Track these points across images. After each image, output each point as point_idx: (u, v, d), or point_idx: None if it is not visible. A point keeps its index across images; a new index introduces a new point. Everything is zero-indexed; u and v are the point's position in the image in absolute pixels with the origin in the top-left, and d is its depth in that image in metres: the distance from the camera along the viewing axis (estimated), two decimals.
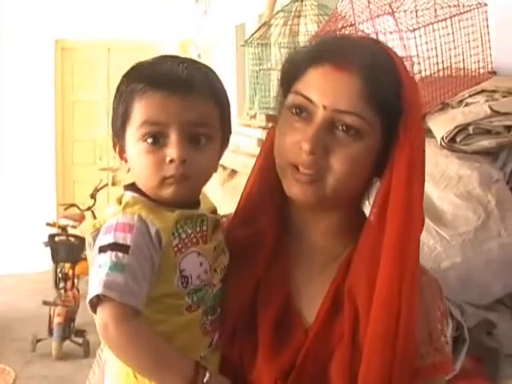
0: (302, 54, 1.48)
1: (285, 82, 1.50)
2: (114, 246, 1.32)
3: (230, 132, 1.49)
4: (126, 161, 1.43)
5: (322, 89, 1.39)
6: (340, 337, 1.40)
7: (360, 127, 1.37)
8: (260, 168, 1.57)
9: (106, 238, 1.35)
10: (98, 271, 1.32)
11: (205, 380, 1.33)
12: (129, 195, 1.42)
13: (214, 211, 1.51)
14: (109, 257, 1.31)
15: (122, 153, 1.44)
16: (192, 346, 1.40)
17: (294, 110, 1.43)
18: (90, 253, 1.41)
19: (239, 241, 1.51)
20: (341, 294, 1.43)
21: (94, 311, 1.32)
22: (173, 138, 1.35)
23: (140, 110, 1.36)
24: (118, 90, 1.42)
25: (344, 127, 1.38)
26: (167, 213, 1.38)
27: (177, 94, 1.35)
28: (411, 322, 1.37)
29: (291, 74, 1.47)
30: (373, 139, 1.40)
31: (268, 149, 1.52)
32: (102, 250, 1.34)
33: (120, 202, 1.41)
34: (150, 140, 1.36)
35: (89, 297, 1.32)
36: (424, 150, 1.45)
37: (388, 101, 1.39)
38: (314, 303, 1.45)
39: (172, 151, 1.35)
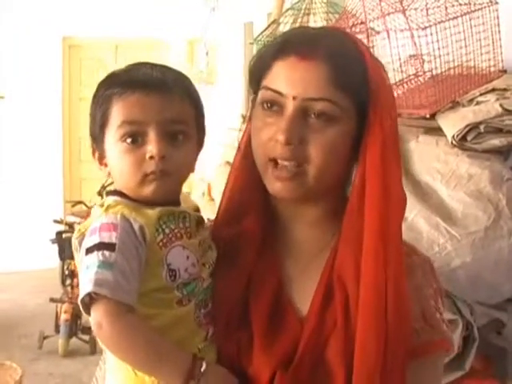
0: (268, 49, 1.50)
1: (253, 79, 1.52)
2: (101, 246, 1.35)
3: (204, 133, 1.53)
4: (106, 165, 1.47)
5: (290, 80, 1.41)
6: (334, 324, 1.41)
7: (332, 112, 1.40)
8: (240, 166, 1.58)
9: (91, 240, 1.37)
10: (86, 272, 1.34)
11: (202, 370, 1.34)
12: (110, 199, 1.45)
13: (197, 210, 1.55)
14: (96, 256, 1.34)
15: (101, 158, 1.48)
16: (188, 339, 1.42)
17: (265, 105, 1.45)
18: (77, 257, 1.44)
19: (226, 239, 1.53)
20: (332, 281, 1.44)
21: (86, 311, 1.35)
22: (151, 135, 1.40)
23: (118, 112, 1.41)
24: (94, 97, 1.47)
25: (316, 114, 1.40)
26: (149, 210, 1.41)
27: (154, 94, 1.40)
28: (401, 302, 1.38)
29: (258, 70, 1.49)
30: (347, 123, 1.42)
31: (246, 146, 1.54)
32: (89, 251, 1.36)
33: (103, 206, 1.44)
34: (129, 140, 1.41)
35: (80, 296, 1.34)
36: (396, 130, 1.47)
37: (356, 84, 1.41)
38: (306, 293, 1.46)
39: (152, 148, 1.39)
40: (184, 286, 1.41)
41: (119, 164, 1.43)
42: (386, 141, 1.41)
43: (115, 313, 1.32)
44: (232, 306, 1.47)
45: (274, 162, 1.42)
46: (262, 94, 1.46)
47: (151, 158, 1.39)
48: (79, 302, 1.35)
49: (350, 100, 1.41)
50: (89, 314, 1.34)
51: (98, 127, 1.44)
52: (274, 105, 1.43)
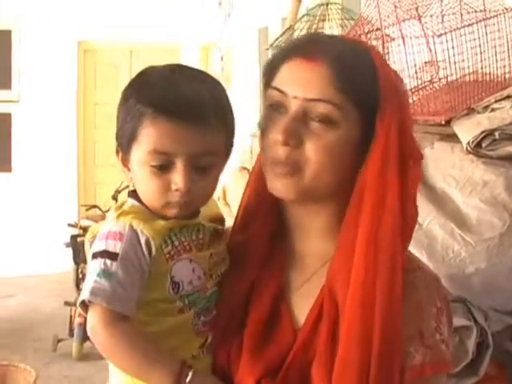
0: (277, 53, 1.52)
1: (264, 83, 1.52)
2: (104, 254, 1.36)
3: (232, 149, 1.50)
4: (129, 169, 1.46)
5: (293, 80, 1.42)
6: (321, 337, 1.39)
7: (332, 115, 1.38)
8: (255, 174, 1.58)
9: (98, 245, 1.39)
10: (88, 277, 1.37)
11: (187, 380, 1.35)
12: (129, 203, 1.46)
13: (219, 218, 1.54)
14: (98, 264, 1.36)
15: (125, 161, 1.46)
16: (184, 345, 1.43)
17: (272, 107, 1.45)
18: (89, 258, 1.45)
19: (236, 246, 1.53)
20: (325, 294, 1.43)
21: (86, 312, 1.37)
22: (179, 167, 1.37)
23: (149, 138, 1.37)
24: (125, 100, 1.43)
25: (317, 117, 1.39)
26: (161, 221, 1.41)
27: (187, 125, 1.35)
28: (391, 318, 1.33)
29: (268, 73, 1.49)
30: (349, 129, 1.40)
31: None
32: (94, 256, 1.38)
33: (119, 209, 1.45)
34: (157, 166, 1.38)
35: (79, 300, 1.37)
36: (403, 142, 1.42)
37: (361, 90, 1.40)
38: (305, 305, 1.45)
39: (178, 181, 1.37)
40: (186, 297, 1.42)
41: (144, 184, 1.42)
42: (389, 151, 1.39)
43: (109, 321, 1.34)
44: (231, 313, 1.47)
45: (275, 162, 1.42)
46: (268, 94, 1.47)
47: (176, 190, 1.38)
48: (78, 305, 1.38)
49: (353, 105, 1.39)
50: (86, 314, 1.37)
51: (126, 139, 1.41)
52: (280, 106, 1.43)
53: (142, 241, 1.37)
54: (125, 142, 1.42)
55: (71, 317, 6.53)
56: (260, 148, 1.48)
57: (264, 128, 1.46)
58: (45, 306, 7.68)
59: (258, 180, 1.54)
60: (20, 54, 9.26)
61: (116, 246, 1.36)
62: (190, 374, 1.34)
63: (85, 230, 7.30)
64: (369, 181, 1.40)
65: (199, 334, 1.45)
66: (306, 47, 1.44)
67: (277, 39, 3.69)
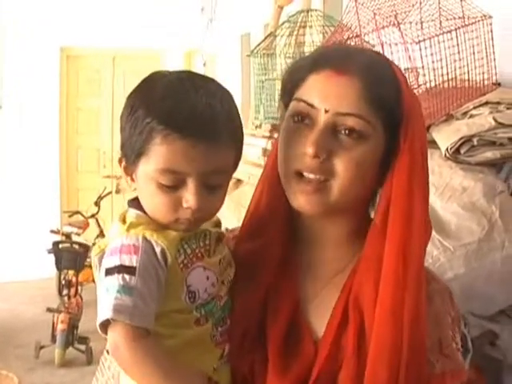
0: (302, 63, 1.49)
1: (286, 92, 1.50)
2: (121, 269, 1.31)
3: (239, 162, 1.46)
4: (133, 180, 1.41)
5: (323, 93, 1.40)
6: (348, 348, 1.38)
7: (362, 129, 1.38)
8: (266, 180, 1.56)
9: (111, 261, 1.34)
10: (106, 294, 1.31)
11: None
12: (133, 214, 1.41)
13: (218, 223, 1.51)
14: (116, 279, 1.31)
15: (128, 171, 1.41)
16: (204, 358, 1.40)
17: (296, 118, 1.43)
18: (97, 274, 1.41)
19: (248, 254, 1.51)
20: (349, 304, 1.42)
21: (105, 332, 1.32)
22: (190, 186, 1.33)
23: (159, 156, 1.32)
24: (132, 110, 1.35)
25: (347, 131, 1.38)
26: (172, 231, 1.38)
27: (200, 143, 1.31)
28: (418, 331, 1.35)
29: (292, 83, 1.47)
30: (376, 142, 1.40)
31: (273, 160, 1.51)
32: (109, 272, 1.33)
33: (123, 220, 1.40)
34: (167, 184, 1.34)
35: (99, 320, 1.31)
36: (425, 156, 1.45)
37: (389, 105, 1.39)
38: (323, 314, 1.44)
39: (190, 199, 1.34)
40: (202, 306, 1.40)
41: (151, 199, 1.37)
42: (414, 165, 1.40)
43: (132, 337, 1.29)
44: (248, 323, 1.45)
45: (299, 175, 1.40)
46: (293, 105, 1.44)
47: (188, 208, 1.35)
48: (98, 325, 1.32)
49: (381, 119, 1.39)
50: (105, 333, 1.32)
51: (133, 152, 1.35)
52: (305, 118, 1.41)
53: (158, 251, 1.33)
54: (131, 155, 1.36)
55: (53, 323, 6.52)
56: (281, 159, 1.45)
57: (287, 139, 1.44)
58: (27, 313, 7.64)
59: (271, 189, 1.53)
60: (2, 60, 9.22)
61: (132, 260, 1.32)
62: None
63: (67, 236, 7.31)
64: (395, 194, 1.40)
65: (218, 345, 1.42)
66: (335, 59, 1.42)
67: (258, 45, 3.69)
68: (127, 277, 1.30)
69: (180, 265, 1.36)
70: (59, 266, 6.83)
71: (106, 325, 1.32)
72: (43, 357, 6.34)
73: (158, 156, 1.31)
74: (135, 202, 1.42)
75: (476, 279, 2.18)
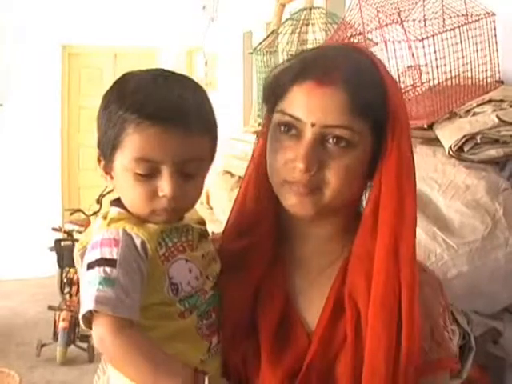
0: (285, 72, 1.48)
1: (269, 99, 1.51)
2: (102, 262, 1.34)
3: (215, 153, 1.49)
4: (112, 177, 1.43)
5: (308, 106, 1.40)
6: (343, 339, 1.41)
7: (350, 138, 1.39)
8: (252, 179, 1.57)
9: (93, 255, 1.36)
10: (87, 287, 1.33)
11: None
12: (114, 211, 1.44)
13: (201, 222, 1.53)
14: (97, 272, 1.33)
15: (107, 169, 1.44)
16: (190, 350, 1.41)
17: (282, 128, 1.44)
18: (80, 270, 1.43)
19: (237, 250, 1.53)
20: (341, 296, 1.44)
21: (87, 325, 1.34)
22: (165, 173, 1.36)
23: (133, 145, 1.35)
24: (105, 106, 1.39)
25: (334, 139, 1.39)
26: (151, 225, 1.40)
27: (172, 130, 1.34)
28: (412, 319, 1.36)
29: (275, 92, 1.47)
30: (364, 148, 1.42)
31: (258, 159, 1.54)
32: (90, 266, 1.35)
33: (105, 218, 1.42)
34: (142, 173, 1.37)
35: (81, 312, 1.33)
36: (412, 152, 1.46)
37: (374, 109, 1.40)
38: (314, 307, 1.46)
39: (165, 188, 1.36)
40: (186, 299, 1.41)
41: (128, 191, 1.40)
42: (402, 162, 1.42)
43: (117, 328, 1.31)
44: (239, 316, 1.47)
45: (291, 182, 1.42)
46: (278, 117, 1.45)
47: (163, 196, 1.37)
48: (80, 318, 1.34)
49: (367, 125, 1.40)
50: (90, 328, 1.34)
51: (108, 146, 1.39)
52: (291, 129, 1.42)
53: (138, 244, 1.36)
54: (107, 150, 1.39)
55: (55, 321, 6.51)
56: (271, 168, 1.46)
57: (274, 149, 1.45)
58: (28, 311, 7.65)
59: (258, 188, 1.54)
60: (4, 58, 9.21)
61: (112, 252, 1.34)
62: (206, 380, 1.34)
63: (69, 233, 7.29)
64: (385, 192, 1.42)
65: (204, 337, 1.44)
66: (317, 69, 1.41)
67: (260, 43, 3.69)
68: (108, 269, 1.33)
69: (161, 257, 1.38)
70: (61, 263, 6.81)
71: (88, 318, 1.33)
72: (45, 355, 6.34)
73: (131, 145, 1.34)
74: (117, 202, 1.45)
75: (479, 277, 2.18)
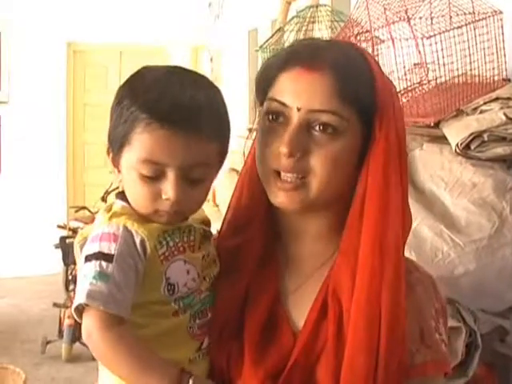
0: (273, 61, 1.48)
1: (259, 90, 1.50)
2: (99, 255, 1.33)
3: (225, 157, 1.47)
4: (120, 171, 1.43)
5: (295, 91, 1.39)
6: (326, 340, 1.38)
7: (336, 124, 1.38)
8: (246, 178, 1.56)
9: (91, 248, 1.36)
10: (83, 280, 1.33)
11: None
12: (118, 205, 1.43)
13: (206, 222, 1.53)
14: (93, 266, 1.33)
15: (115, 162, 1.43)
16: (178, 349, 1.41)
17: (270, 117, 1.43)
18: (79, 261, 1.43)
19: (229, 250, 1.52)
20: (328, 296, 1.42)
21: (80, 318, 1.34)
22: (170, 177, 1.35)
23: (141, 145, 1.34)
24: (119, 100, 1.39)
25: (321, 126, 1.38)
26: (154, 223, 1.39)
27: (181, 134, 1.32)
28: (396, 318, 1.34)
29: (264, 81, 1.47)
30: (352, 137, 1.40)
31: (252, 158, 1.53)
32: (88, 259, 1.35)
33: (109, 211, 1.42)
34: (147, 174, 1.36)
35: (74, 305, 1.33)
36: (403, 144, 1.44)
37: (362, 97, 1.39)
38: (303, 307, 1.44)
39: (169, 191, 1.35)
40: (181, 299, 1.41)
41: (133, 189, 1.39)
42: (389, 154, 1.39)
43: (106, 324, 1.31)
44: (228, 316, 1.46)
45: (277, 173, 1.41)
46: (267, 104, 1.44)
47: (167, 199, 1.36)
48: (73, 310, 1.34)
49: (355, 113, 1.39)
50: (81, 320, 1.34)
51: (117, 141, 1.38)
52: (279, 116, 1.41)
53: (137, 241, 1.35)
54: (116, 144, 1.39)
55: (60, 318, 6.51)
56: (259, 158, 1.46)
57: (263, 139, 1.44)
58: (33, 308, 7.66)
59: (251, 185, 1.53)
60: (9, 55, 9.22)
61: (111, 248, 1.33)
62: (191, 381, 1.32)
63: (74, 231, 7.29)
64: (371, 185, 1.39)
65: (195, 337, 1.43)
66: (305, 56, 1.41)
67: (266, 41, 3.69)
68: (104, 264, 1.32)
69: (160, 257, 1.38)
70: (66, 260, 6.82)
71: (81, 311, 1.34)
72: (50, 352, 6.34)
73: (139, 145, 1.34)
74: (122, 195, 1.44)
75: (486, 275, 2.18)
